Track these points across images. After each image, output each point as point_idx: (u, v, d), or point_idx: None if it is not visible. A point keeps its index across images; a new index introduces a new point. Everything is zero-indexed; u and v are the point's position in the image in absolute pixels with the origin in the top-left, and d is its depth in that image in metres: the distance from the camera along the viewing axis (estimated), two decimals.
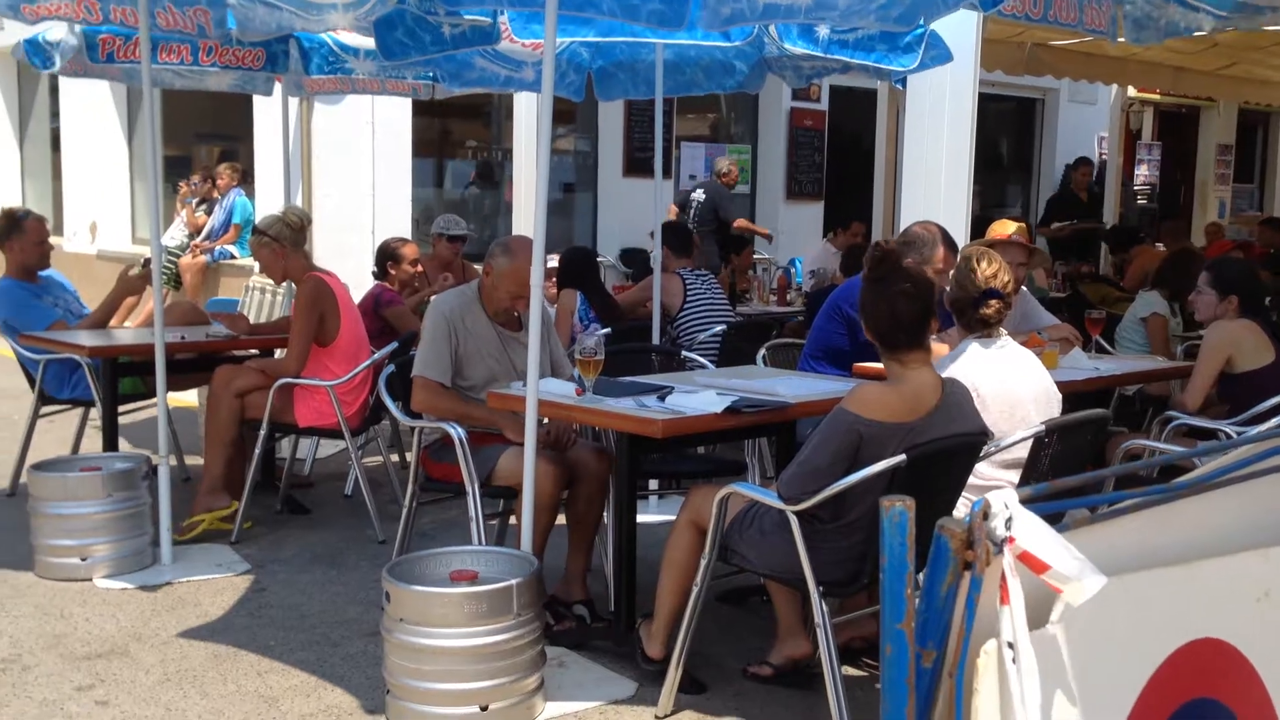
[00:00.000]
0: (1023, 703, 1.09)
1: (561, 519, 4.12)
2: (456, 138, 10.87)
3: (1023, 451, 3.67)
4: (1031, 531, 1.13)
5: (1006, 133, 14.02)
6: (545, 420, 4.13)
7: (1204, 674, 1.32)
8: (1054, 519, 1.34)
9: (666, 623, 3.57)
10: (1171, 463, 3.52)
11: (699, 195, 9.69)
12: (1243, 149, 14.80)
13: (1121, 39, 5.55)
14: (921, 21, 5.39)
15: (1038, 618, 1.18)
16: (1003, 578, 1.12)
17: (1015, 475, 3.71)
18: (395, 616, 3.25)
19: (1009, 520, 1.14)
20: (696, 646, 3.52)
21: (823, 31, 5.63)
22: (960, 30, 5.64)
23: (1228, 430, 4.35)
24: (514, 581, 3.28)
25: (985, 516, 1.15)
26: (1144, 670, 1.27)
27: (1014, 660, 1.08)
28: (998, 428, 3.65)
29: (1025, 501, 1.17)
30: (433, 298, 4.55)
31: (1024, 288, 5.77)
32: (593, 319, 5.85)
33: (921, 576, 1.15)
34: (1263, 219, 12.26)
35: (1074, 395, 4.48)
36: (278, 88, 7.12)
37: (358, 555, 4.89)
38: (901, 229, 5.38)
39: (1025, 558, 1.12)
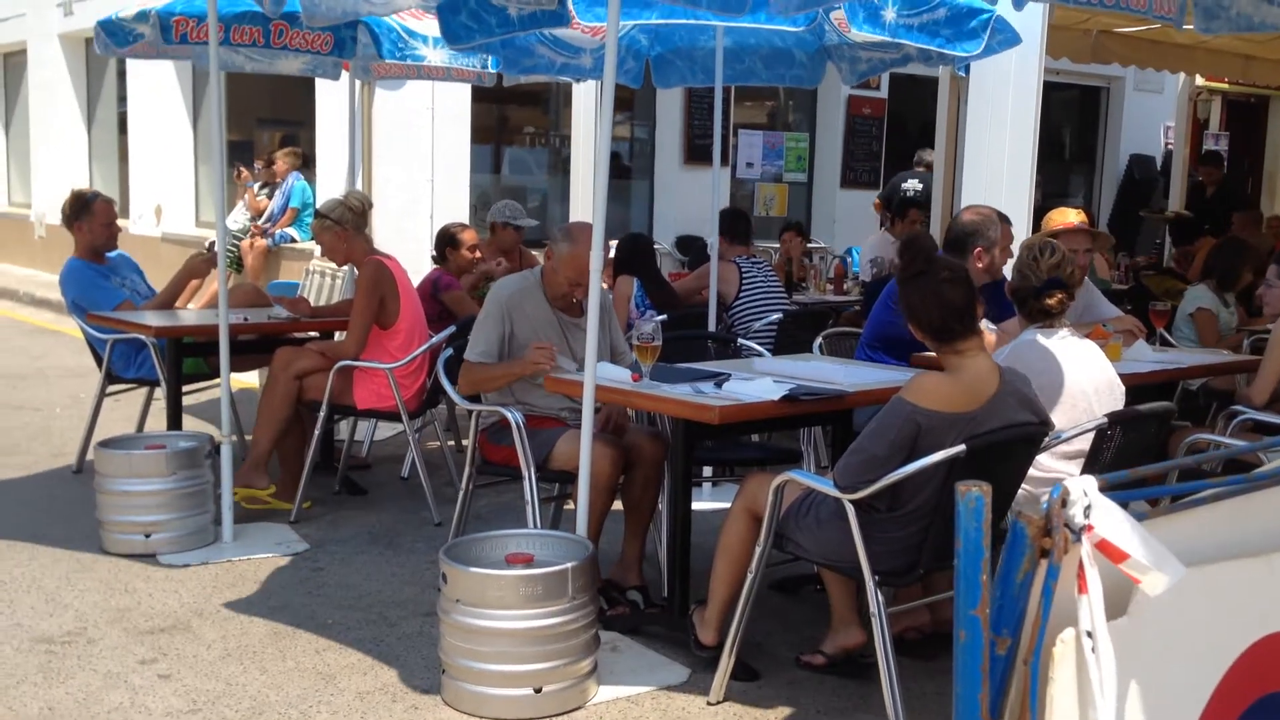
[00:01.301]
0: (1101, 693, 1.07)
1: (617, 504, 4.13)
2: (515, 124, 10.90)
3: (1084, 444, 3.62)
4: (1110, 520, 1.11)
5: (1070, 122, 13.79)
6: (601, 405, 4.14)
7: (1273, 670, 1.29)
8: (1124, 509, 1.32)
9: (720, 610, 3.57)
10: (1236, 457, 3.45)
11: (913, 184, 9.41)
12: None
13: (1189, 27, 5.44)
14: (986, 7, 5.34)
15: (1114, 607, 1.16)
16: (1080, 566, 1.10)
17: (1076, 467, 3.66)
18: (452, 597, 3.27)
19: (1088, 508, 1.12)
20: (749, 634, 3.52)
21: (889, 15, 5.57)
22: (1027, 16, 5.54)
23: None
24: (569, 565, 3.29)
25: (1064, 504, 1.14)
26: (1220, 664, 1.24)
27: (1093, 650, 1.07)
28: (1059, 418, 3.61)
29: (1104, 490, 1.15)
30: (494, 281, 4.56)
31: (1087, 279, 5.69)
32: (649, 306, 5.85)
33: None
34: None
35: (1137, 388, 4.40)
36: (344, 74, 7.17)
37: (414, 537, 4.93)
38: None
39: (1104, 546, 1.10)
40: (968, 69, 6.42)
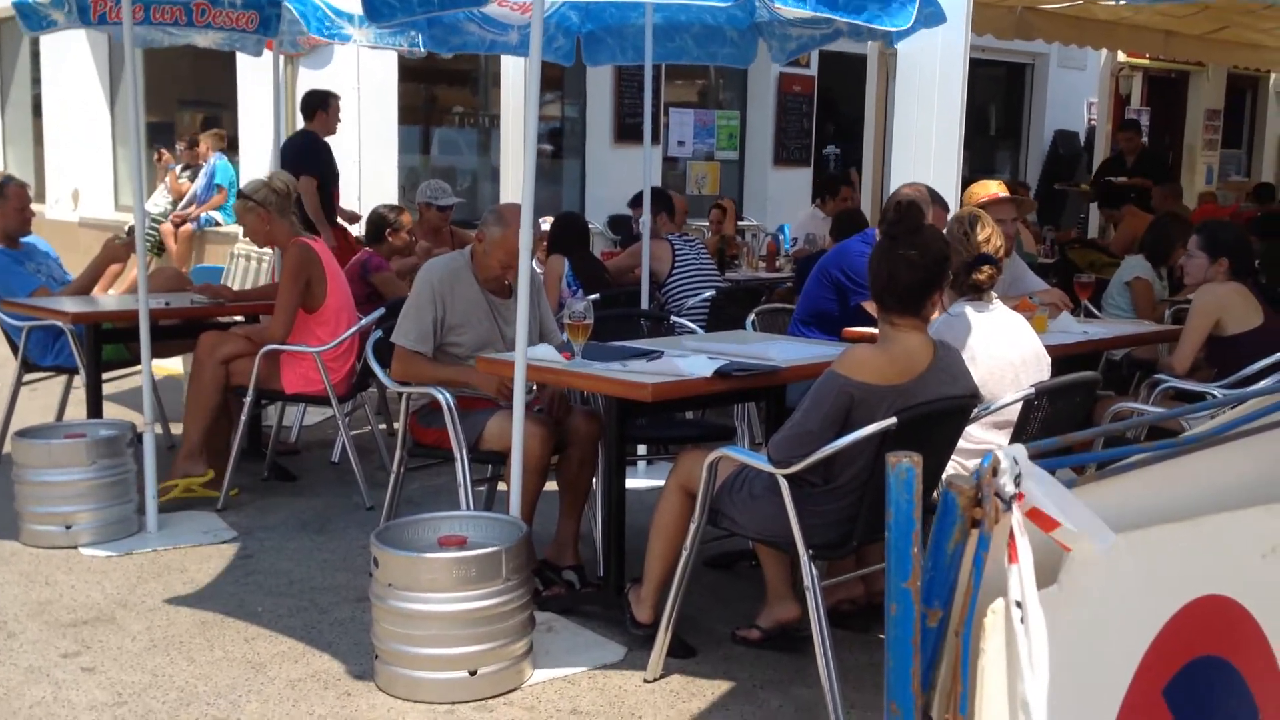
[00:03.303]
0: (1030, 662, 1.07)
1: (552, 484, 4.10)
2: (444, 104, 10.76)
3: (1012, 414, 3.67)
4: (1041, 488, 1.10)
5: (996, 98, 13.96)
6: (536, 387, 4.11)
7: (1210, 631, 1.30)
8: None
9: (655, 587, 3.56)
10: (1156, 424, 3.51)
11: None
12: (1231, 114, 14.76)
13: (1111, 2, 5.50)
14: None
15: (1045, 576, 1.16)
16: (1011, 535, 1.10)
17: (1004, 437, 3.70)
18: (384, 582, 3.23)
19: (1018, 477, 1.11)
20: (685, 611, 3.51)
21: None
22: None
23: (1215, 393, 4.35)
24: (502, 547, 3.26)
25: (994, 473, 1.13)
26: (1151, 628, 1.25)
27: (1022, 620, 1.06)
28: (988, 390, 3.65)
29: (1034, 458, 1.14)
30: (424, 264, 4.49)
31: (1014, 253, 5.76)
32: (580, 285, 5.81)
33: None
34: (1253, 186, 12.26)
35: (1063, 359, 4.47)
36: (268, 52, 7.02)
37: (345, 522, 4.86)
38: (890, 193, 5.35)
39: (1034, 515, 1.10)
40: (895, 44, 6.44)
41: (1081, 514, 1.11)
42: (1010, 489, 1.11)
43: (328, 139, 7.63)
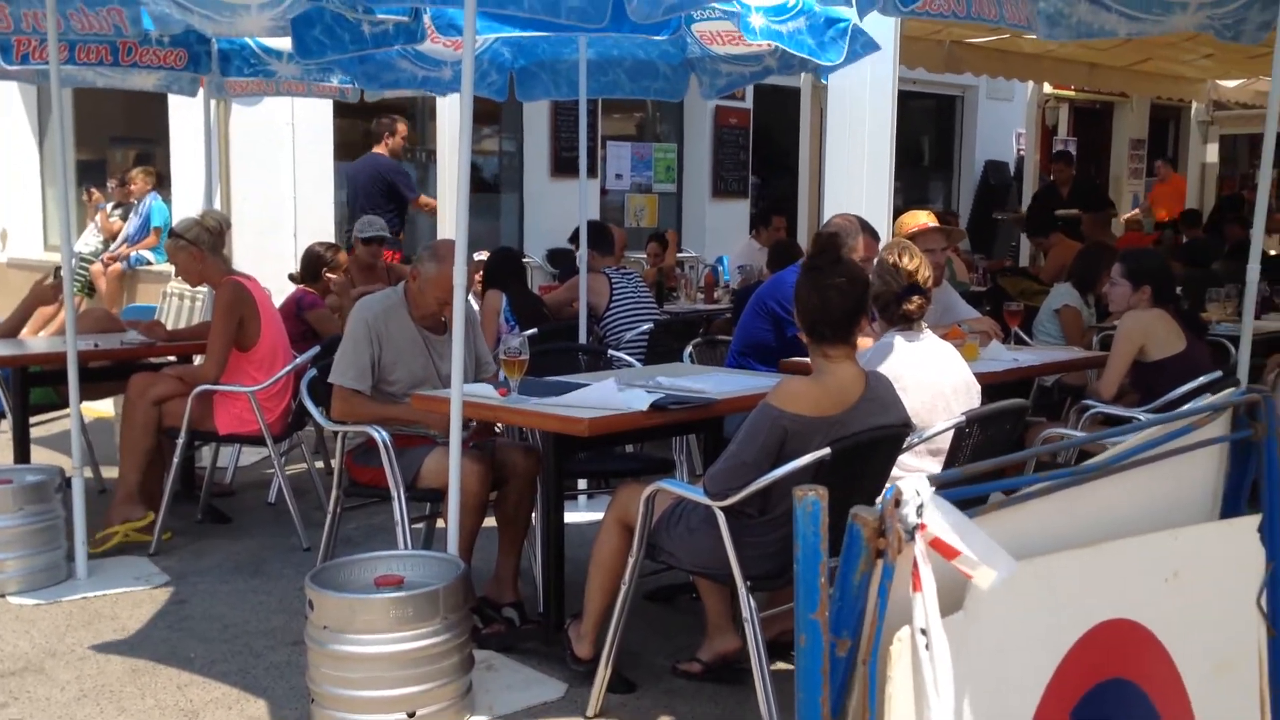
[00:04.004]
0: (936, 689, 1.09)
1: (491, 520, 4.09)
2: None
3: (944, 442, 3.72)
4: (943, 518, 1.13)
5: (928, 129, 14.21)
6: (473, 422, 4.10)
7: (1116, 654, 1.34)
8: (976, 504, 1.35)
9: (595, 622, 3.56)
10: (1084, 447, 3.58)
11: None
12: (1155, 143, 15.16)
13: (1033, 36, 5.64)
14: (845, 15, 5.45)
15: (951, 603, 1.19)
16: (915, 565, 1.12)
17: (938, 465, 3.75)
18: (319, 624, 3.19)
19: (920, 508, 1.14)
20: (626, 645, 3.51)
21: (758, 21, 5.65)
22: (881, 26, 5.69)
23: (1140, 417, 4.44)
24: (439, 586, 3.24)
25: (897, 504, 1.16)
26: (1057, 652, 1.28)
27: (927, 647, 1.09)
28: (920, 418, 3.70)
29: (939, 488, 1.17)
30: (357, 301, 4.48)
31: (946, 281, 5.86)
32: (518, 320, 5.82)
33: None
34: (1180, 211, 12.58)
35: (994, 386, 4.54)
36: (201, 90, 6.97)
37: (281, 563, 4.80)
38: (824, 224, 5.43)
39: (937, 544, 1.13)
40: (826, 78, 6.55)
41: (983, 542, 1.14)
42: (913, 519, 1.14)
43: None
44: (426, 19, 5.25)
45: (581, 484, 5.41)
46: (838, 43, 5.62)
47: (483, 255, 6.67)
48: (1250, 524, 1.55)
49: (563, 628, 3.70)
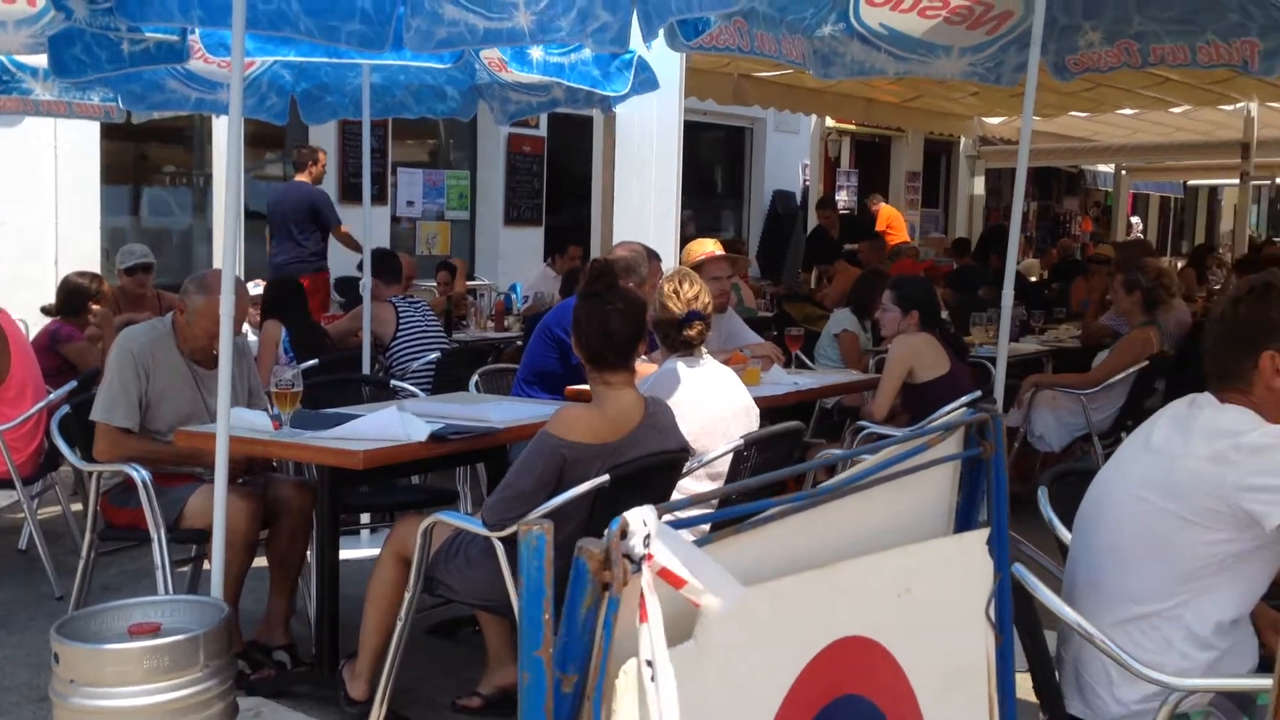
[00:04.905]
0: (661, 718, 1.08)
1: (263, 560, 3.91)
2: (153, 162, 10.21)
3: (724, 465, 3.78)
4: (669, 547, 1.13)
5: (718, 160, 14.58)
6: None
7: (850, 671, 1.36)
8: (734, 523, 1.35)
9: (370, 661, 3.44)
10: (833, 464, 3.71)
11: None
12: (929, 175, 16.01)
13: (811, 72, 5.86)
14: (632, 47, 5.53)
15: (685, 633, 1.19)
16: (641, 596, 1.12)
17: (718, 488, 3.81)
18: (65, 678, 2.97)
19: (647, 538, 1.13)
20: (405, 683, 3.41)
21: (536, 55, 5.66)
22: (667, 59, 5.81)
23: (895, 434, 4.64)
24: (199, 631, 3.07)
25: (623, 535, 1.15)
26: (790, 673, 1.29)
27: (652, 678, 1.08)
28: (699, 443, 3.74)
29: (667, 517, 1.17)
30: (120, 332, 4.23)
31: (731, 308, 6.00)
32: (294, 353, 5.62)
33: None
34: (952, 240, 13.31)
35: (776, 409, 4.67)
36: None
37: (31, 614, 4.47)
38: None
39: (664, 574, 1.12)
40: (612, 108, 6.63)
41: (710, 570, 1.14)
42: (639, 550, 1.13)
43: None
44: (193, 38, 5.04)
45: (365, 518, 5.26)
46: (623, 74, 5.70)
47: (259, 285, 6.42)
48: (979, 538, 1.62)
49: (337, 669, 3.57)
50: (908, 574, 1.47)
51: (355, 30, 4.66)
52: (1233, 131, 12.38)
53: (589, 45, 4.75)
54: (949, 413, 4.65)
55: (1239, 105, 11.39)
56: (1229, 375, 2.44)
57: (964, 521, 1.66)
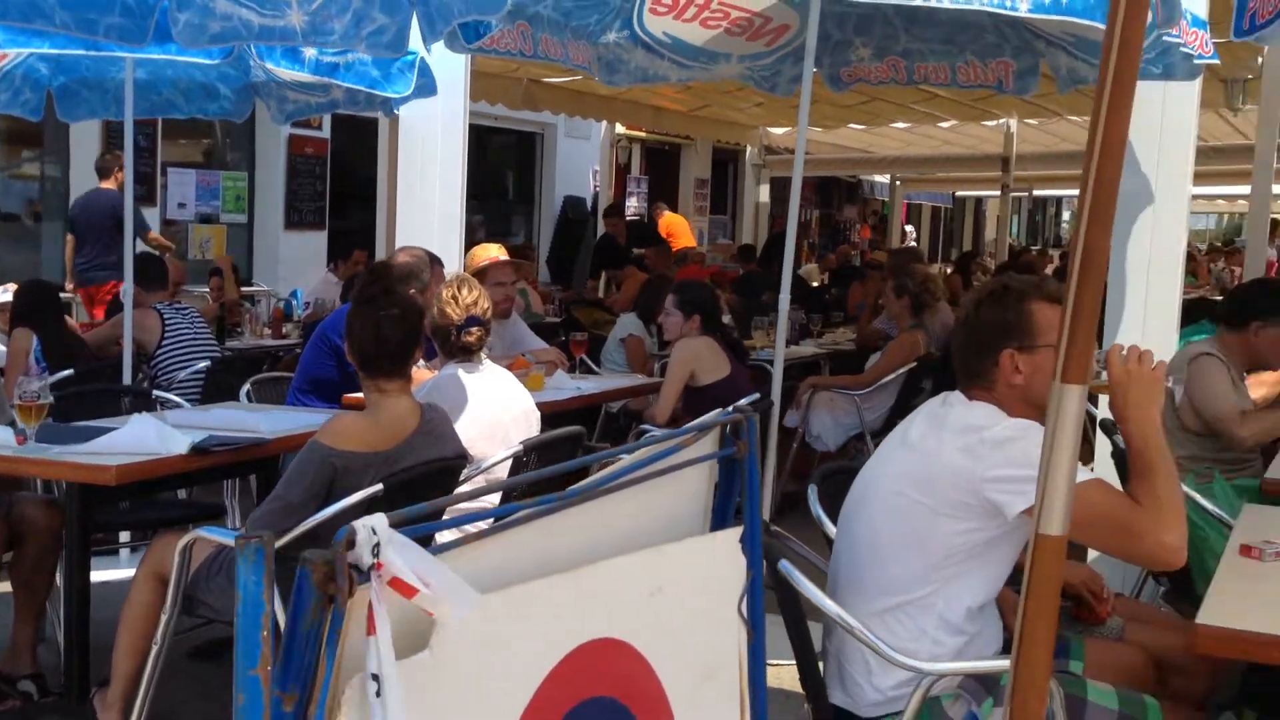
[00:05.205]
0: None
1: (6, 585, 3.64)
2: None
3: (504, 471, 3.75)
4: (400, 556, 1.09)
5: (510, 165, 14.52)
6: None
7: (598, 674, 1.36)
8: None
9: (124, 688, 3.24)
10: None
11: None
12: (717, 183, 16.40)
13: (597, 78, 5.90)
14: (413, 49, 5.43)
15: (423, 644, 1.15)
16: (369, 607, 1.07)
17: (498, 495, 3.77)
18: None
19: (376, 546, 1.09)
20: (164, 709, 3.23)
21: (309, 53, 5.49)
22: (450, 63, 5.72)
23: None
24: None
25: (350, 545, 1.10)
26: (534, 678, 1.28)
27: (378, 693, 1.04)
28: (478, 449, 3.72)
29: (400, 524, 1.13)
30: None
31: (517, 314, 5.97)
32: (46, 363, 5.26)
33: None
34: (738, 246, 13.66)
35: (559, 414, 4.66)
36: None
37: None
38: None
39: (395, 583, 1.08)
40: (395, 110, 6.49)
41: (445, 578, 1.11)
42: (368, 560, 1.09)
43: None
44: None
45: (125, 536, 4.97)
46: (405, 75, 5.59)
47: (8, 291, 5.98)
48: (732, 536, 1.64)
49: (88, 698, 3.35)
50: (659, 574, 1.47)
51: (115, 24, 4.41)
52: (995, 146, 13.18)
53: (361, 49, 4.63)
54: (728, 415, 4.78)
55: (1000, 121, 12.12)
56: (974, 374, 2.57)
57: (719, 520, 1.68)
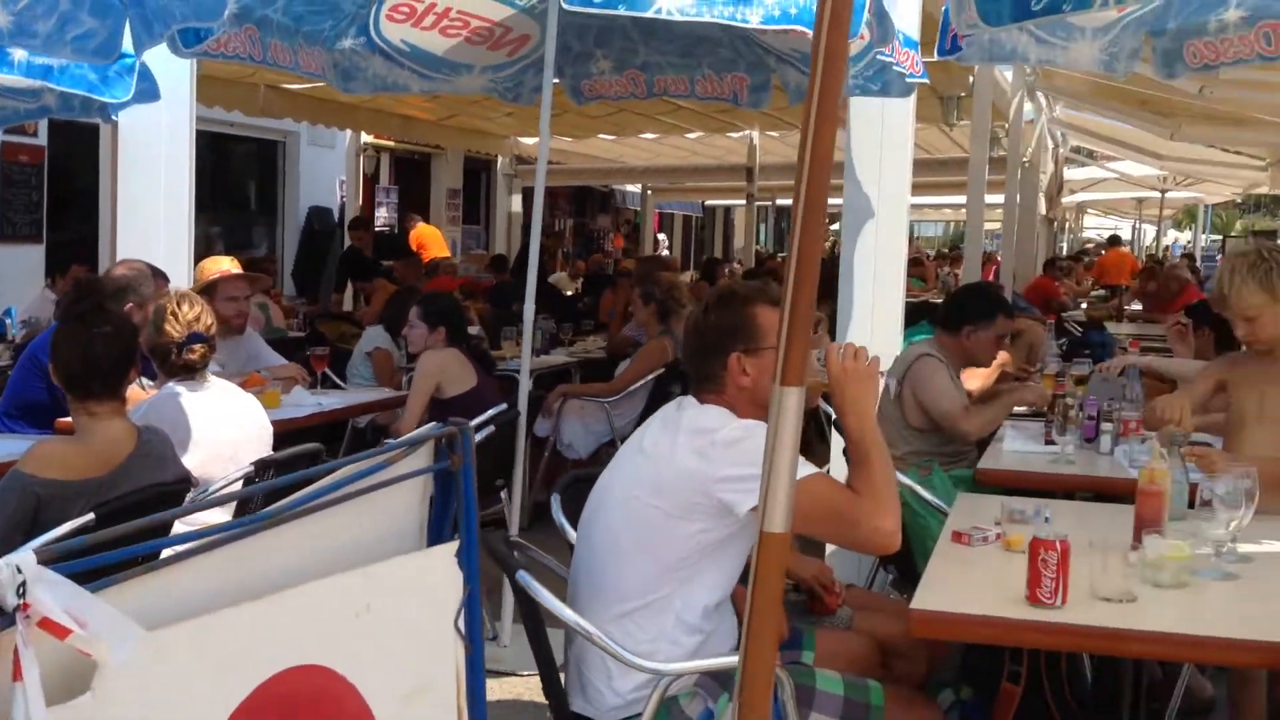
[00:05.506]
0: None
1: None
2: None
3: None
4: (50, 594, 0.99)
5: (251, 174, 13.93)
6: None
7: (294, 702, 1.29)
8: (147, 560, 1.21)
9: None
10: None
11: None
12: (470, 193, 16.26)
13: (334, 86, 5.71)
14: (128, 52, 5.10)
15: (85, 686, 1.05)
16: (15, 652, 0.98)
17: (229, 515, 3.59)
18: None
19: (22, 586, 0.99)
20: None
21: (19, 55, 5.08)
22: (173, 67, 5.41)
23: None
24: None
25: None
26: (220, 713, 1.20)
27: None
28: (206, 470, 3.55)
29: (54, 561, 1.03)
30: None
31: (253, 330, 5.71)
32: None
33: None
34: (491, 257, 13.58)
35: (302, 431, 4.50)
36: None
37: None
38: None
39: (46, 624, 0.99)
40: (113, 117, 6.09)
41: (105, 616, 1.02)
42: (13, 600, 0.99)
43: None
44: None
45: None
46: (124, 79, 5.23)
47: None
48: (448, 550, 1.60)
49: None
50: (367, 594, 1.42)
51: None
52: (739, 157, 13.63)
53: (66, 55, 4.32)
54: (479, 426, 4.72)
55: (744, 133, 12.55)
56: (705, 377, 2.63)
57: (436, 535, 1.64)
